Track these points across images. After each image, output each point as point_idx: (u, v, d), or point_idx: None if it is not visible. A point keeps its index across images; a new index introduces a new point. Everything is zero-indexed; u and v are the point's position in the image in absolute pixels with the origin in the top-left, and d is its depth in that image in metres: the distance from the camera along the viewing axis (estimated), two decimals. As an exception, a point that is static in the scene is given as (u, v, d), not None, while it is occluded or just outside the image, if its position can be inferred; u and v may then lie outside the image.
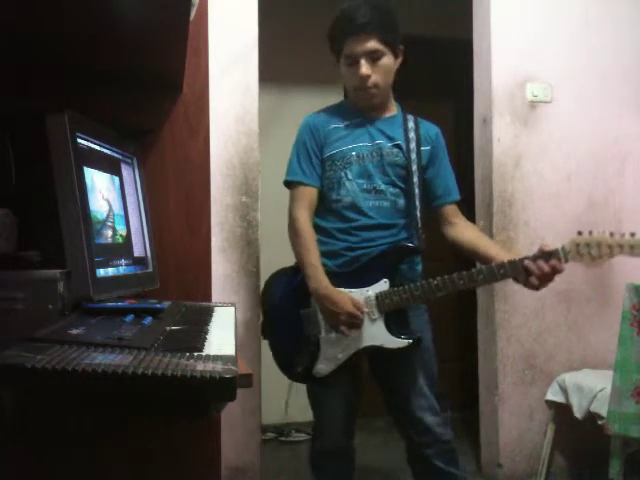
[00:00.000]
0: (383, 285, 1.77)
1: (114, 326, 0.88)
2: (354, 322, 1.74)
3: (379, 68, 1.81)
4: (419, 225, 1.85)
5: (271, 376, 3.04)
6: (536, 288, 1.70)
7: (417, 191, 1.85)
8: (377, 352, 1.79)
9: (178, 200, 1.41)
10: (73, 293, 0.94)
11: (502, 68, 2.76)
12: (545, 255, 1.69)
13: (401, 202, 1.87)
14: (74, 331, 0.81)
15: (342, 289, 1.77)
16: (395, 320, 1.78)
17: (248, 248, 2.51)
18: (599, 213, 2.83)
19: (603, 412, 2.25)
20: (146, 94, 1.35)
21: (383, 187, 1.85)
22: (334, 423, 1.90)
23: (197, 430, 1.27)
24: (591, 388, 2.43)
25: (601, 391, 2.36)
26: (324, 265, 1.81)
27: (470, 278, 1.73)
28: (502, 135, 2.75)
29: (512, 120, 2.76)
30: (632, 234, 1.67)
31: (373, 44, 1.78)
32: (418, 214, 1.86)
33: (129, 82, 1.29)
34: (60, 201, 1.01)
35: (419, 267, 1.90)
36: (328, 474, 1.94)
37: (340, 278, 1.79)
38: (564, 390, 2.58)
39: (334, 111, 1.94)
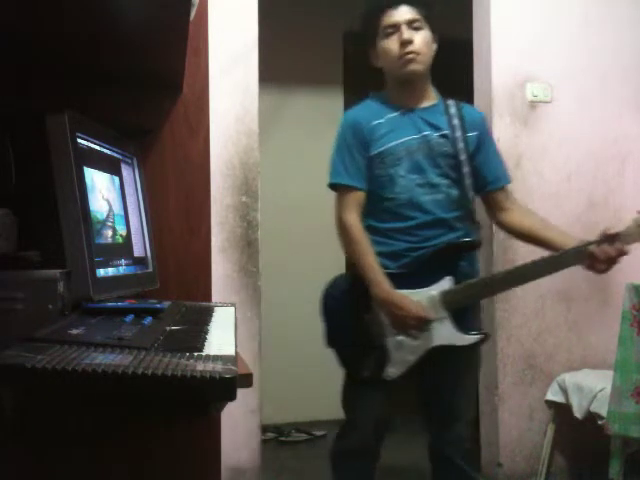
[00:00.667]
0: (447, 283, 1.75)
1: (114, 326, 0.88)
2: (424, 325, 1.71)
3: (420, 37, 1.78)
4: (474, 216, 1.83)
5: (271, 376, 3.04)
6: (601, 272, 1.68)
7: (468, 181, 1.82)
8: (437, 350, 1.77)
9: (178, 200, 1.41)
10: (73, 293, 0.94)
11: (502, 68, 2.76)
12: (609, 238, 1.66)
13: (454, 193, 1.82)
14: (74, 331, 0.81)
15: (405, 291, 1.74)
16: (462, 317, 1.75)
17: (248, 248, 2.51)
18: (599, 213, 2.82)
19: (603, 412, 2.25)
20: (146, 94, 1.35)
21: (436, 180, 1.80)
22: (372, 423, 1.86)
23: (197, 430, 1.27)
24: (591, 388, 2.43)
25: (601, 391, 2.36)
26: (384, 267, 1.76)
27: (535, 269, 1.70)
28: (502, 135, 2.75)
29: (512, 120, 2.76)
30: None
31: (414, 14, 1.78)
32: (472, 205, 1.82)
33: (129, 82, 1.29)
34: (60, 201, 1.01)
35: (478, 262, 1.87)
36: (352, 473, 1.91)
37: (402, 279, 1.75)
38: (564, 390, 2.58)
39: (373, 106, 1.88)
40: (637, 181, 2.90)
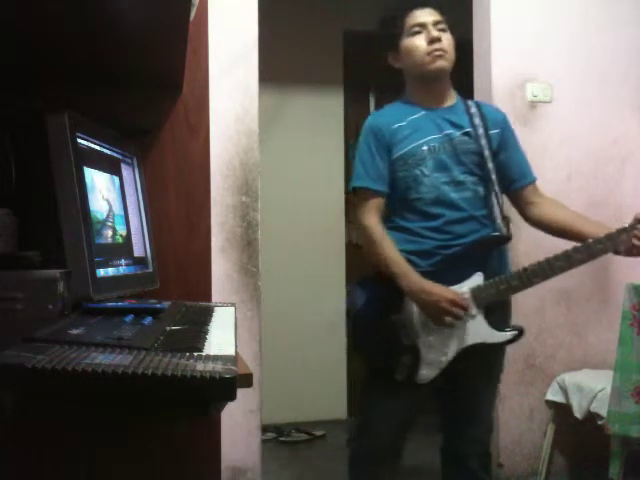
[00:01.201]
0: (477, 279, 1.73)
1: (114, 326, 0.88)
2: (458, 310, 1.69)
3: (445, 37, 1.82)
4: (502, 211, 1.83)
5: (271, 376, 3.04)
6: (637, 256, 1.68)
7: (494, 177, 1.82)
8: (469, 349, 1.75)
9: (178, 200, 1.41)
10: (73, 293, 0.94)
11: (502, 68, 2.76)
12: None
13: (481, 190, 1.82)
14: (74, 331, 0.81)
15: None
16: (494, 313, 1.74)
17: (248, 248, 2.51)
18: (599, 213, 2.82)
19: (603, 412, 2.25)
20: (146, 94, 1.35)
21: (462, 177, 1.80)
22: (400, 426, 1.84)
23: (197, 430, 1.27)
24: (591, 388, 2.43)
25: (601, 391, 2.36)
26: (415, 265, 1.75)
27: (567, 259, 1.69)
28: (502, 135, 2.75)
29: (512, 120, 2.73)
30: None
31: (438, 16, 1.82)
32: (499, 200, 1.82)
33: (129, 82, 1.29)
34: (60, 201, 1.01)
35: (508, 256, 1.86)
36: (374, 475, 1.88)
37: (432, 277, 1.73)
38: (564, 390, 2.58)
39: (395, 110, 1.90)
40: (637, 181, 2.90)
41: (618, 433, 2.16)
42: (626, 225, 1.68)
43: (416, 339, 1.74)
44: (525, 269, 1.71)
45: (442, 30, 1.81)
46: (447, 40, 1.82)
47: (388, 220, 1.85)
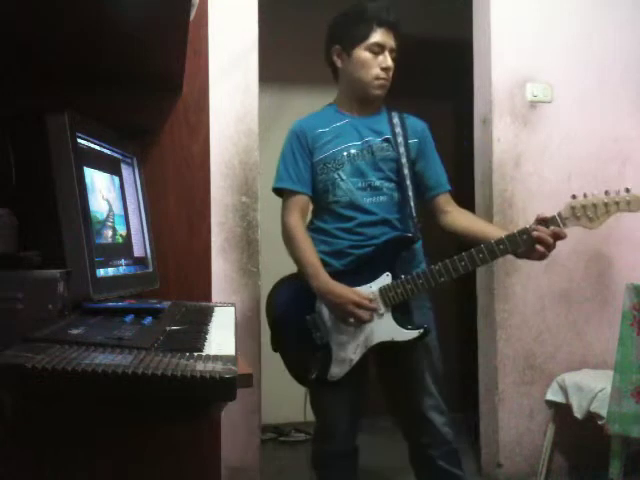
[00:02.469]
0: (385, 279, 1.79)
1: (114, 326, 0.88)
2: (362, 311, 1.74)
3: (393, 67, 1.89)
4: (414, 215, 1.87)
5: (271, 376, 3.04)
6: (539, 258, 1.69)
7: (409, 183, 1.88)
8: (385, 351, 1.80)
9: (178, 200, 1.41)
10: (73, 293, 0.94)
11: (502, 68, 2.76)
12: (543, 222, 1.69)
13: (396, 195, 1.89)
14: (74, 331, 0.81)
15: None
16: (402, 313, 1.78)
17: (248, 248, 2.51)
18: (599, 213, 2.82)
19: (603, 412, 2.24)
20: (146, 94, 1.35)
21: (378, 183, 1.87)
22: (343, 425, 1.90)
23: (197, 430, 1.27)
24: (591, 388, 2.43)
25: (601, 391, 2.36)
26: (329, 265, 1.83)
27: (470, 259, 1.72)
28: (502, 135, 2.75)
29: (512, 120, 2.76)
30: (627, 189, 1.66)
31: (394, 44, 1.89)
32: (412, 204, 1.88)
33: (129, 82, 1.29)
34: (60, 201, 1.01)
35: (423, 258, 1.91)
36: (335, 474, 1.93)
37: (346, 277, 1.80)
38: (564, 390, 2.58)
39: (320, 116, 1.98)
40: (637, 181, 2.89)
41: (618, 433, 2.16)
42: (527, 226, 1.70)
43: (328, 338, 1.81)
44: (431, 269, 1.75)
45: (393, 59, 1.88)
46: (392, 70, 1.89)
47: (310, 222, 1.95)
